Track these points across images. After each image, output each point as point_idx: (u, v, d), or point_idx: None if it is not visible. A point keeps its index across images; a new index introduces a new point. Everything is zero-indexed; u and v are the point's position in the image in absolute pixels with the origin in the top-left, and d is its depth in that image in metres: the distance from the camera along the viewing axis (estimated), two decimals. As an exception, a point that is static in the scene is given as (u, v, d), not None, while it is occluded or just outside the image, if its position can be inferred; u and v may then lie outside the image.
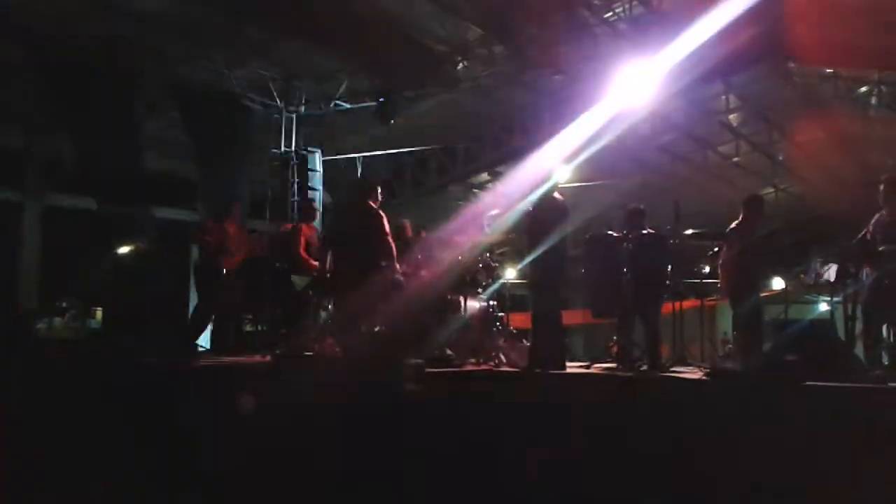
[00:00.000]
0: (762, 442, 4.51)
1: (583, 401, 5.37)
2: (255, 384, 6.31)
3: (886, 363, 5.98)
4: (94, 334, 10.26)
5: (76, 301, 11.87)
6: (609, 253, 7.08)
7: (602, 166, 14.40)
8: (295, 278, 7.74)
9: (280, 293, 8.24)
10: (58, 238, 12.85)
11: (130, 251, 11.73)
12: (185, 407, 6.34)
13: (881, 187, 6.57)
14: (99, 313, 12.11)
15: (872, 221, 6.53)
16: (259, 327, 9.40)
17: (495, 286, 7.58)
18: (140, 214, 11.91)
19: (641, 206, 7.12)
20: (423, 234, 8.80)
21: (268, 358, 7.03)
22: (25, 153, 13.07)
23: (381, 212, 7.10)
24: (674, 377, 6.08)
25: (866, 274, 6.05)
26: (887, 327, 6.41)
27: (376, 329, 7.01)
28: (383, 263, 7.03)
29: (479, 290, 7.62)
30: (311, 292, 7.57)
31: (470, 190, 16.24)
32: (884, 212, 6.50)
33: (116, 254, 11.66)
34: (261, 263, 8.55)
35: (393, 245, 7.08)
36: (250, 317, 9.58)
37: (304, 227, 8.30)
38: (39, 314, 10.92)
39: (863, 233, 6.40)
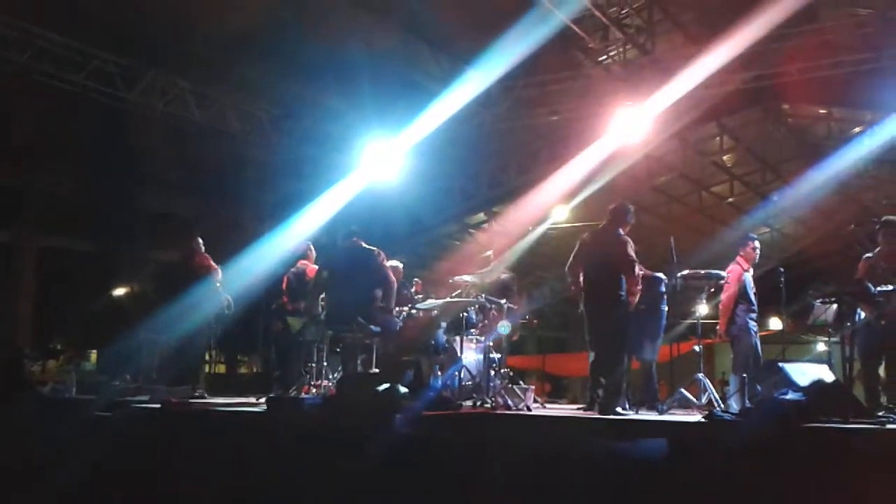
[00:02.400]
0: (763, 486, 4.45)
1: (576, 443, 5.31)
2: (248, 428, 6.25)
3: (885, 404, 5.93)
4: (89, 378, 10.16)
5: (70, 342, 11.81)
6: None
7: (598, 207, 14.48)
8: (290, 319, 7.70)
9: (274, 334, 8.20)
10: (53, 280, 12.82)
11: (127, 293, 11.72)
12: (176, 451, 6.26)
13: (878, 228, 6.60)
14: (93, 356, 12.03)
15: (866, 262, 6.55)
16: (254, 369, 9.32)
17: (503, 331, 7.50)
18: (138, 255, 11.94)
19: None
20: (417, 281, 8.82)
21: (261, 401, 6.97)
22: (22, 192, 13.10)
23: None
24: (672, 420, 6.02)
25: (862, 315, 6.03)
26: (885, 368, 6.40)
27: (371, 371, 6.97)
28: (381, 303, 7.02)
29: (476, 331, 7.58)
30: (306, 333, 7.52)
31: (466, 229, 16.29)
32: (879, 251, 6.52)
33: (112, 295, 11.65)
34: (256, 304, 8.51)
35: (394, 283, 7.10)
36: (245, 358, 9.50)
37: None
38: (33, 356, 10.84)
39: (859, 273, 6.41)
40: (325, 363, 7.43)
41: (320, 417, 6.04)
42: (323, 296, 7.35)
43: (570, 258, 6.80)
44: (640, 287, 6.51)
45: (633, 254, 6.43)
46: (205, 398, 7.83)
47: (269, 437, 5.93)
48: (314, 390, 7.19)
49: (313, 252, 8.38)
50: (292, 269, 8.21)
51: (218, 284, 8.18)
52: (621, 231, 6.63)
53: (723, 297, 7.19)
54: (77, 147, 11.89)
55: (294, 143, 12.73)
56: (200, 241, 8.45)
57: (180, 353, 7.67)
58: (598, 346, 6.57)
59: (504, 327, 7.13)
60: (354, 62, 10.97)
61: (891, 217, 6.63)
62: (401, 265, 8.26)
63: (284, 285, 8.14)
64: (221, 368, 11.16)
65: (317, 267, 7.92)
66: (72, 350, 11.68)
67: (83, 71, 10.47)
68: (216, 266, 8.28)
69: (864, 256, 6.66)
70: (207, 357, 9.11)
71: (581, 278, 6.69)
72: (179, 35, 10.55)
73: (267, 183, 13.30)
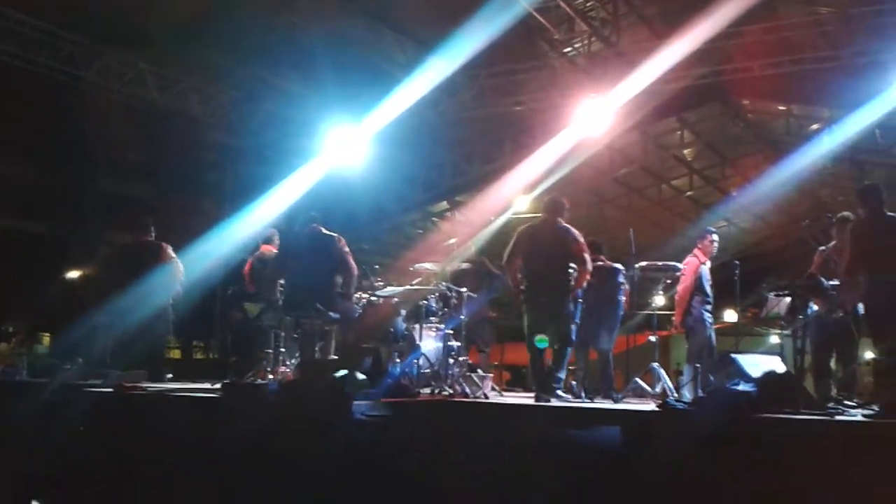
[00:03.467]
0: (712, 473, 4.53)
1: (532, 431, 5.35)
2: (203, 413, 6.18)
3: (835, 396, 6.06)
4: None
5: (22, 326, 11.58)
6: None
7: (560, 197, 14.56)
8: (247, 304, 7.62)
9: (231, 320, 8.11)
10: (4, 262, 12.51)
11: (81, 276, 11.51)
12: (129, 435, 6.18)
13: (833, 223, 6.73)
14: (46, 339, 11.80)
15: (820, 255, 6.69)
16: (210, 355, 9.22)
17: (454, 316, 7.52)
18: (92, 239, 11.71)
19: (592, 239, 7.17)
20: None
21: (217, 386, 6.89)
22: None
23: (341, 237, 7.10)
24: (627, 409, 6.10)
25: (814, 308, 6.15)
26: (837, 361, 6.54)
27: (330, 357, 6.94)
28: (340, 290, 6.99)
29: (435, 318, 7.59)
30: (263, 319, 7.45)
31: (429, 218, 16.25)
32: (831, 246, 6.66)
33: (66, 279, 11.43)
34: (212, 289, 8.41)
35: (355, 270, 7.08)
36: (201, 344, 9.39)
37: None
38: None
39: (813, 267, 6.53)
40: (282, 349, 7.37)
41: (276, 403, 5.99)
42: (281, 281, 7.30)
43: (508, 252, 6.81)
44: (589, 276, 6.59)
45: (583, 242, 6.52)
46: (164, 381, 7.75)
47: (224, 423, 5.87)
48: (271, 376, 7.13)
49: (278, 238, 8.29)
50: (256, 254, 8.12)
51: (176, 270, 8.09)
52: (562, 222, 6.67)
53: (679, 288, 7.29)
54: (31, 127, 11.61)
55: (256, 127, 12.59)
56: (152, 228, 8.36)
57: (136, 338, 7.54)
58: (552, 335, 6.62)
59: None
60: (318, 47, 10.87)
61: (845, 213, 6.77)
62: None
63: (247, 270, 8.05)
64: (177, 354, 11.02)
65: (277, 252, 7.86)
66: (23, 333, 11.44)
67: (37, 49, 10.21)
68: (173, 254, 8.19)
69: (819, 250, 6.80)
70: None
71: (519, 271, 6.73)
72: (139, 15, 10.34)
73: (227, 167, 13.12)
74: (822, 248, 6.77)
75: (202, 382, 7.89)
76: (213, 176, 13.26)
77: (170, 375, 7.89)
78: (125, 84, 11.28)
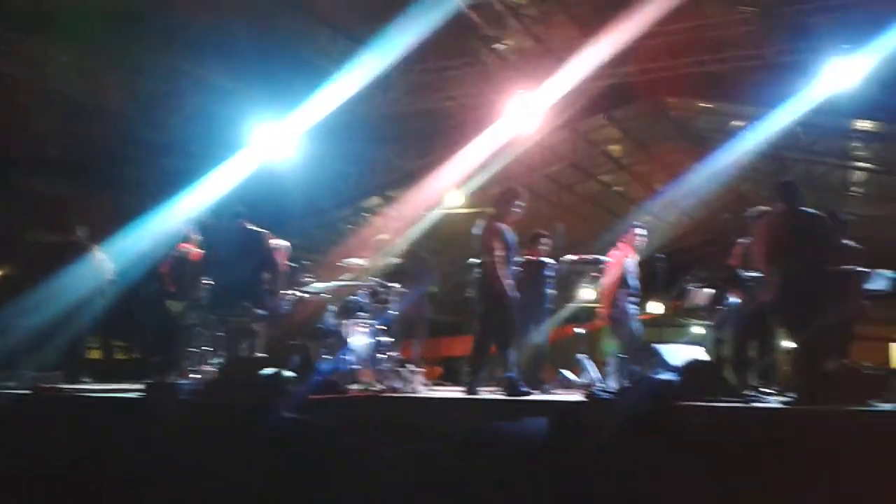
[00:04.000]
0: (636, 461, 4.62)
1: (460, 423, 5.38)
2: (124, 414, 6.01)
3: (753, 384, 6.25)
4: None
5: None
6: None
7: (491, 193, 14.65)
8: (170, 303, 7.44)
9: (153, 318, 7.90)
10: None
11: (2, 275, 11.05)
12: (48, 438, 5.96)
13: (755, 219, 6.93)
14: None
15: (740, 247, 6.87)
16: (131, 355, 8.97)
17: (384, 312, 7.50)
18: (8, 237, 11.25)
19: (536, 231, 7.23)
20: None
21: (140, 386, 6.70)
22: None
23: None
24: (554, 400, 6.17)
25: (731, 299, 6.34)
26: (757, 350, 6.75)
27: (257, 355, 6.83)
28: (266, 286, 6.90)
29: (366, 314, 7.54)
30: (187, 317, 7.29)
31: (360, 213, 16.16)
32: (747, 240, 6.86)
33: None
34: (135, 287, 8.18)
35: (280, 265, 7.00)
36: (121, 344, 9.13)
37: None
38: None
39: (729, 260, 6.72)
40: (207, 348, 7.22)
41: (201, 403, 5.87)
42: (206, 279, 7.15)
43: None
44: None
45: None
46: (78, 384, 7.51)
47: (147, 424, 5.72)
48: (195, 376, 6.98)
49: (194, 235, 8.10)
50: (173, 253, 7.92)
51: (100, 266, 7.86)
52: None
53: (604, 281, 7.41)
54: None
55: (181, 121, 12.26)
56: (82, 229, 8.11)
57: (50, 338, 7.28)
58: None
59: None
60: (245, 40, 10.65)
61: (761, 207, 6.98)
62: (287, 244, 8.08)
63: (165, 269, 7.85)
64: (96, 354, 10.66)
65: (200, 251, 7.68)
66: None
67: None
68: (100, 254, 7.96)
69: (737, 242, 6.98)
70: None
71: None
72: (61, 5, 9.97)
73: (152, 162, 12.76)
74: (741, 240, 6.96)
75: (124, 383, 7.68)
76: (137, 172, 12.87)
77: (86, 379, 7.63)
78: (45, 77, 10.86)
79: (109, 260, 8.03)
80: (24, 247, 8.95)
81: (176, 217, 9.50)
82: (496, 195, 6.90)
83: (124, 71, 11.65)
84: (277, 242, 7.40)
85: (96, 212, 11.50)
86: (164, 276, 7.81)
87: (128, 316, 8.37)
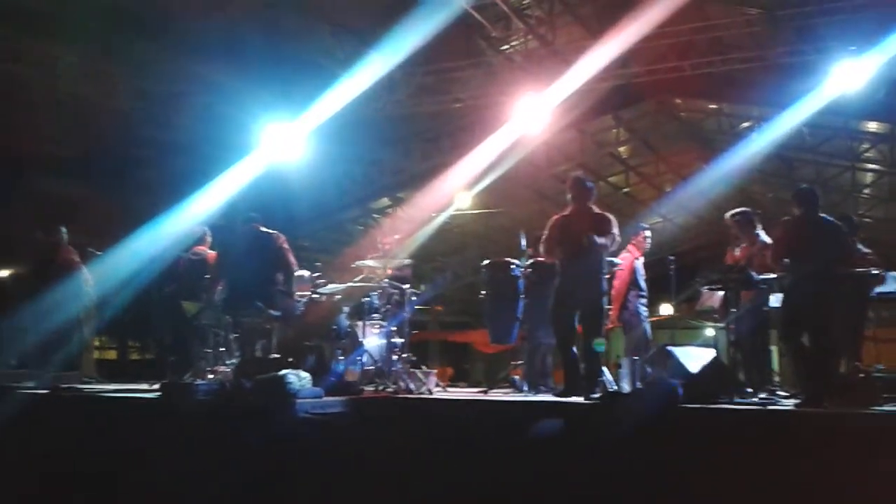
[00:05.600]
0: (650, 463, 4.65)
1: (477, 425, 5.41)
2: (141, 414, 6.06)
3: (769, 386, 6.27)
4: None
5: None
6: (507, 279, 7.18)
7: (499, 194, 14.71)
8: (186, 304, 7.48)
9: (169, 319, 7.95)
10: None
11: (10, 274, 11.13)
12: (66, 437, 6.01)
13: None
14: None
15: (729, 255, 6.95)
16: (145, 355, 9.02)
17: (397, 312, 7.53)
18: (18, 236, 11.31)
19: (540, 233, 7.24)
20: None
21: (155, 387, 6.75)
22: None
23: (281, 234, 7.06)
24: (568, 401, 6.19)
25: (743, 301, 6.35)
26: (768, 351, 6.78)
27: (272, 356, 6.86)
28: (279, 287, 6.94)
29: (378, 315, 7.56)
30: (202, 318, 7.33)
31: (369, 215, 16.21)
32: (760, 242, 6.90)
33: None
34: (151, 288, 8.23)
35: (295, 267, 7.05)
36: (137, 344, 9.18)
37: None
38: None
39: (743, 262, 6.74)
40: (222, 348, 7.27)
41: (216, 403, 5.91)
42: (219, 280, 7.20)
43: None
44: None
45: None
46: (91, 384, 7.56)
47: (163, 424, 5.77)
48: (211, 376, 7.03)
49: (210, 237, 8.16)
50: (188, 254, 7.97)
51: (84, 282, 7.95)
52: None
53: (615, 283, 7.43)
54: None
55: (189, 122, 12.32)
56: (64, 231, 8.16)
57: (52, 346, 7.39)
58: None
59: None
60: (253, 41, 10.71)
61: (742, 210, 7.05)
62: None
63: (179, 269, 7.90)
64: (112, 355, 10.73)
65: (215, 252, 7.73)
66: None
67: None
68: (80, 262, 8.03)
69: (728, 249, 7.03)
70: (97, 343, 8.76)
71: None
72: (68, 8, 10.02)
73: (160, 163, 12.81)
74: (744, 244, 6.95)
75: (139, 383, 7.74)
76: (146, 172, 12.94)
77: (89, 378, 7.73)
78: (54, 78, 10.92)
79: (115, 261, 8.10)
80: (34, 247, 8.99)
81: (187, 218, 9.56)
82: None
83: (133, 72, 11.71)
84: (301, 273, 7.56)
85: (107, 212, 11.58)
86: (179, 277, 7.86)
87: (143, 317, 8.42)
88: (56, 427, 6.04)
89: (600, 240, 6.21)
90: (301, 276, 7.62)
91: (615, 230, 6.39)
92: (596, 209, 6.54)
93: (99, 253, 8.35)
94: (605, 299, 6.49)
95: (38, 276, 7.92)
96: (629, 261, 7.56)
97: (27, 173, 11.86)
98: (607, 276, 7.16)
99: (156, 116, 12.37)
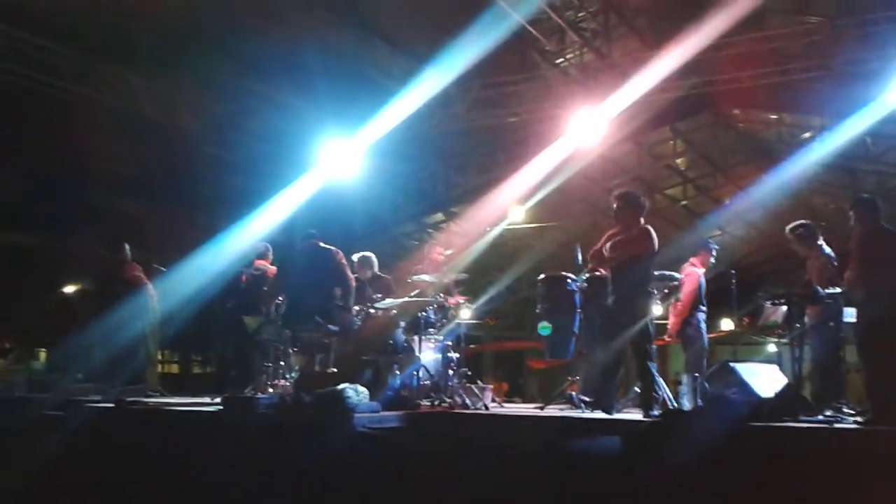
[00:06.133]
0: (712, 483, 4.56)
1: (533, 441, 5.38)
2: (203, 427, 6.18)
3: (835, 404, 6.09)
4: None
5: (19, 341, 11.52)
6: (563, 293, 7.14)
7: (553, 208, 14.64)
8: (247, 318, 7.63)
9: (231, 334, 8.11)
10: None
11: (76, 290, 11.46)
12: (130, 449, 6.17)
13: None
14: (43, 354, 11.75)
15: (817, 262, 6.74)
16: (207, 369, 9.20)
17: (450, 327, 7.55)
18: (84, 253, 11.68)
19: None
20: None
21: (217, 400, 6.89)
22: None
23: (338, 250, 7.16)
24: (627, 419, 6.11)
25: (809, 316, 6.20)
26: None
27: (329, 370, 6.94)
28: (339, 302, 7.03)
29: (433, 330, 7.60)
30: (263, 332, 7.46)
31: (424, 229, 16.29)
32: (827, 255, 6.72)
33: (61, 293, 11.38)
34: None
35: (353, 282, 7.14)
36: (199, 359, 9.37)
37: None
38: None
39: (807, 276, 6.58)
40: (282, 363, 7.38)
41: (276, 417, 6.00)
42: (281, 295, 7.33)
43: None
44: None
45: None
46: (156, 397, 7.75)
47: (225, 437, 5.88)
48: (271, 390, 7.14)
49: (271, 253, 8.32)
50: (250, 269, 8.14)
51: (150, 298, 8.15)
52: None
53: (682, 298, 7.32)
54: (22, 140, 11.58)
55: (250, 140, 12.59)
56: (128, 248, 8.36)
57: (119, 361, 7.59)
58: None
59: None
60: (311, 60, 10.89)
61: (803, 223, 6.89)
62: (374, 257, 8.24)
63: (241, 284, 8.07)
64: (174, 368, 10.98)
65: (276, 267, 7.89)
66: (20, 349, 11.37)
67: (30, 62, 10.20)
68: (145, 279, 8.24)
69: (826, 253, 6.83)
70: (160, 357, 8.98)
71: None
72: (131, 29, 10.36)
73: (222, 180, 13.11)
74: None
75: (201, 396, 7.90)
76: (207, 189, 13.25)
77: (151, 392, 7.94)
78: (117, 97, 11.27)
79: (178, 278, 8.29)
80: (99, 265, 9.29)
81: (249, 234, 9.76)
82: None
83: (195, 92, 12.02)
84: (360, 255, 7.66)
85: (171, 229, 11.88)
86: (240, 293, 8.03)
87: (205, 331, 8.60)
88: (121, 440, 6.20)
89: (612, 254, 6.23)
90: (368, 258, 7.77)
91: (646, 244, 6.28)
92: (637, 224, 6.44)
93: (163, 269, 8.57)
94: (648, 315, 6.37)
95: (104, 292, 8.16)
96: (696, 276, 7.44)
97: (92, 191, 12.23)
98: (665, 291, 7.08)
99: (217, 135, 12.66)
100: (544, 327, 6.81)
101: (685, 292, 7.31)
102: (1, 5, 9.63)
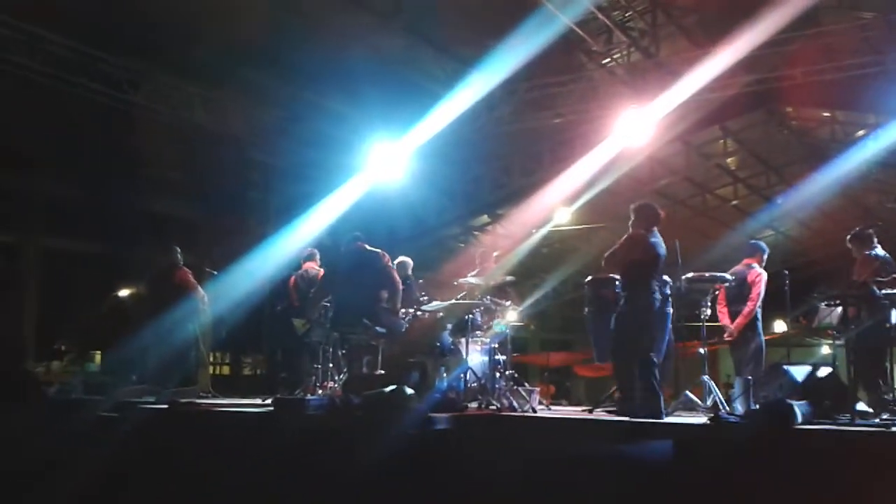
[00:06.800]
0: (765, 487, 4.48)
1: (584, 445, 5.33)
2: (254, 428, 6.27)
3: (891, 406, 5.93)
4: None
5: (74, 344, 11.83)
6: (611, 295, 7.08)
7: (600, 209, 14.52)
8: (295, 321, 7.73)
9: (280, 336, 8.23)
10: (55, 281, 12.78)
11: (130, 295, 11.73)
12: (183, 450, 6.29)
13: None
14: (98, 356, 12.05)
15: (874, 261, 6.61)
16: (257, 370, 9.34)
17: (498, 329, 7.53)
18: (141, 258, 11.93)
19: None
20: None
21: (267, 402, 6.99)
22: (25, 194, 13.07)
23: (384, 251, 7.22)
24: (678, 422, 6.03)
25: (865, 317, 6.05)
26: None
27: (377, 372, 6.99)
28: (386, 305, 7.08)
29: (480, 332, 7.59)
30: (311, 335, 7.55)
31: (470, 232, 16.30)
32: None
33: (115, 297, 11.66)
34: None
35: (400, 285, 7.19)
36: (249, 360, 9.52)
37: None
38: (38, 357, 10.87)
39: (866, 273, 6.43)
40: (330, 364, 7.46)
41: (326, 419, 6.06)
42: (328, 298, 7.40)
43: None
44: None
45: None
46: (208, 399, 7.89)
47: (276, 438, 5.95)
48: (320, 391, 7.22)
49: (318, 256, 8.43)
50: (300, 272, 8.25)
51: (201, 301, 8.30)
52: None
53: (753, 296, 7.22)
54: (80, 149, 11.91)
55: (298, 146, 12.76)
56: (179, 252, 8.54)
57: (172, 364, 7.75)
58: None
59: (500, 325, 7.15)
60: (357, 65, 11.00)
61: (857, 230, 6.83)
62: (410, 261, 8.31)
63: (292, 286, 8.18)
64: (225, 370, 11.19)
65: (323, 270, 7.98)
66: (76, 351, 11.70)
67: (87, 74, 10.50)
68: (196, 282, 8.39)
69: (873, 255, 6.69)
70: (211, 359, 9.15)
71: None
72: (184, 39, 10.60)
73: (271, 186, 13.33)
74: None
75: (252, 398, 8.02)
76: (257, 195, 13.48)
77: (203, 394, 8.09)
78: (173, 107, 11.53)
79: (229, 281, 8.42)
80: (152, 268, 9.48)
81: (298, 238, 9.89)
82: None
83: (246, 100, 12.24)
84: (399, 259, 7.70)
85: (221, 233, 12.10)
86: (290, 294, 8.14)
87: (256, 333, 8.75)
88: (174, 441, 6.32)
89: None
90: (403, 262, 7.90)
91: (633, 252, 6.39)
92: (646, 233, 6.47)
93: (214, 273, 8.73)
94: (652, 320, 6.31)
95: (157, 296, 8.34)
96: (763, 276, 7.34)
97: (146, 197, 12.51)
98: (716, 292, 6.98)
99: (267, 141, 12.86)
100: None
101: (754, 293, 7.21)
102: (57, 18, 9.93)
